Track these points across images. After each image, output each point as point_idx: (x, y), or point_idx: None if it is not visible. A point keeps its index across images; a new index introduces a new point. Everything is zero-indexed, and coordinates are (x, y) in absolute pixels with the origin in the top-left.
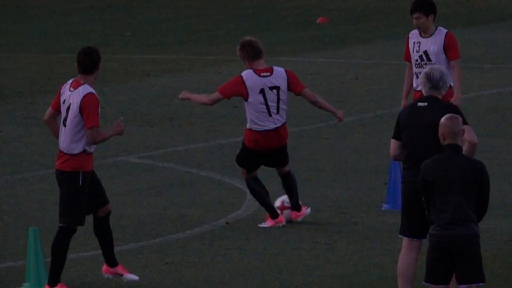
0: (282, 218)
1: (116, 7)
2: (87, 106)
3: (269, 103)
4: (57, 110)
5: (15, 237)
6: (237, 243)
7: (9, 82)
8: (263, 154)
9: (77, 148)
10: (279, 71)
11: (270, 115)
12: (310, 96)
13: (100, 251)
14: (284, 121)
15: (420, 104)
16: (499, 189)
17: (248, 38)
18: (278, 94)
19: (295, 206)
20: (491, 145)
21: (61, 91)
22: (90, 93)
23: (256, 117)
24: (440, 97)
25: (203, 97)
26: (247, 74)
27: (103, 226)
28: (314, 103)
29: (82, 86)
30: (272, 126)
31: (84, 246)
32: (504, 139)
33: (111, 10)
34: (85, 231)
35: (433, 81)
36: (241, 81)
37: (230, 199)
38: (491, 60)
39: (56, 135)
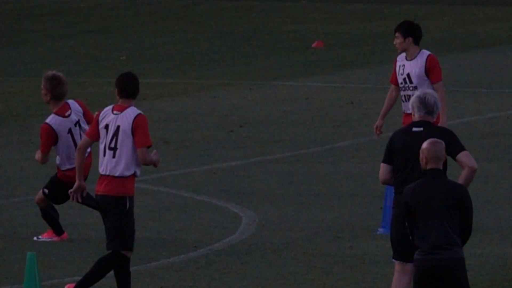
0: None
1: (112, 32)
2: (139, 126)
3: (77, 142)
4: (95, 139)
5: (11, 261)
6: (232, 267)
7: (4, 106)
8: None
9: (130, 171)
10: (74, 104)
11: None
12: None
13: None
14: None
15: (415, 129)
16: (494, 213)
17: (58, 73)
18: (79, 129)
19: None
20: (486, 170)
21: (100, 119)
22: (141, 113)
23: (65, 157)
24: (432, 121)
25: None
26: (52, 120)
27: (124, 264)
28: None
29: (129, 108)
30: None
31: (80, 270)
32: (499, 163)
33: (106, 35)
34: (83, 255)
35: (428, 106)
36: (51, 129)
37: (226, 223)
38: (486, 84)
39: (81, 164)
